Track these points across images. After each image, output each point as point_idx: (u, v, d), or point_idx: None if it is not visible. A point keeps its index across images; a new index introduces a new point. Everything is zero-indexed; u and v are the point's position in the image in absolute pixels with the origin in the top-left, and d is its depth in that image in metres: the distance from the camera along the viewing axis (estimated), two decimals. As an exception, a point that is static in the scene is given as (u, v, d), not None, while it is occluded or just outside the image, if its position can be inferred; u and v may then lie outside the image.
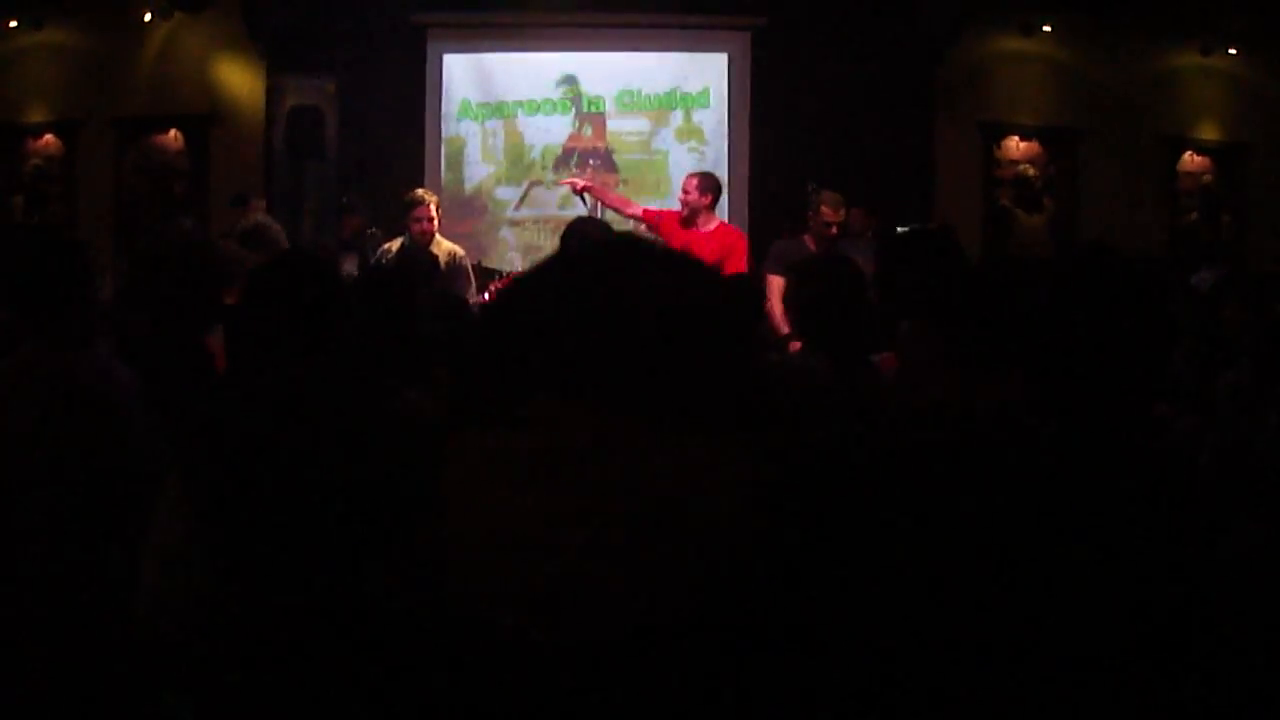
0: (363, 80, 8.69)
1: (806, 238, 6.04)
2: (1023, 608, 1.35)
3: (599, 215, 6.32)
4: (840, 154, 8.29)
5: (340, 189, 8.51)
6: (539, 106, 8.99)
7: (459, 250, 6.24)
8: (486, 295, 5.78)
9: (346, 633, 1.23)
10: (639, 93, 8.99)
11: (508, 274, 6.12)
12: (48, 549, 2.26)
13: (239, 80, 9.11)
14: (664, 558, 0.79)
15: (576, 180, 6.89)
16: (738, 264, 5.79)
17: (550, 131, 8.99)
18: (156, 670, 1.53)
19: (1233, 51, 9.48)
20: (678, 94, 8.99)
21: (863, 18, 8.65)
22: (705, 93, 9.00)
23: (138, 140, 9.26)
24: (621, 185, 8.68)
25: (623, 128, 9.00)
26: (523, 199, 9.05)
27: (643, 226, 6.43)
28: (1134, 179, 9.42)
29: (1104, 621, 1.36)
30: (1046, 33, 9.19)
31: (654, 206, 6.81)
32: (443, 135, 9.00)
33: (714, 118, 8.99)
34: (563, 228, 4.90)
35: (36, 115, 9.35)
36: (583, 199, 6.40)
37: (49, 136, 9.37)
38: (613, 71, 9.01)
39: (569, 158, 8.98)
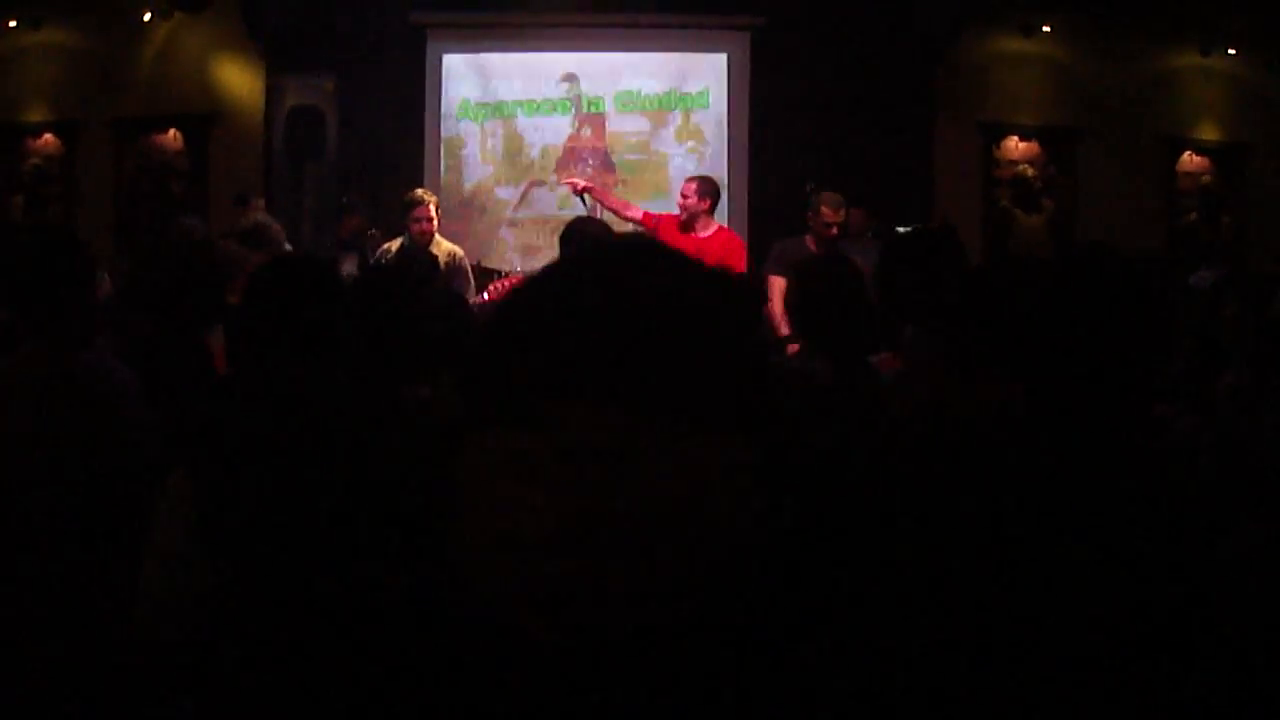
0: (363, 80, 8.69)
1: (807, 238, 6.04)
2: (1023, 608, 1.35)
3: (598, 216, 6.32)
4: (840, 154, 8.29)
5: (340, 189, 8.51)
6: (538, 107, 8.99)
7: (458, 250, 6.25)
8: (486, 295, 5.79)
9: (351, 632, 1.24)
10: (638, 93, 8.99)
11: (507, 274, 6.13)
12: (48, 549, 2.26)
13: (239, 80, 9.11)
14: (673, 558, 0.79)
15: (577, 181, 6.89)
16: (736, 269, 5.80)
17: (550, 132, 8.99)
18: (156, 670, 1.53)
19: (1232, 52, 9.48)
20: (677, 94, 8.99)
21: (862, 18, 8.66)
22: (704, 93, 9.00)
23: (138, 140, 9.26)
24: (620, 186, 8.68)
25: (622, 128, 9.00)
26: (522, 199, 9.06)
27: (641, 230, 6.44)
28: (1134, 179, 9.42)
29: (1104, 621, 1.36)
30: (1046, 33, 9.20)
31: (653, 207, 6.82)
32: (442, 135, 9.00)
33: (713, 118, 8.99)
34: (562, 228, 4.90)
35: (36, 115, 9.35)
36: (583, 199, 6.41)
37: (49, 136, 9.36)
38: (612, 72, 9.00)
39: (568, 158, 8.98)
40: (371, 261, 6.37)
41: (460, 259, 6.19)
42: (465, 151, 9.05)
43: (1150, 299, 1.58)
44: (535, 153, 9.01)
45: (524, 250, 8.77)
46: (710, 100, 8.99)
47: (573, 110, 9.00)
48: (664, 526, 0.78)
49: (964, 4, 8.60)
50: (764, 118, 8.81)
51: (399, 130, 8.78)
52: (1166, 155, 9.71)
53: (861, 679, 0.91)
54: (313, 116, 8.87)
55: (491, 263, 7.68)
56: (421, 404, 2.20)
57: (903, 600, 1.29)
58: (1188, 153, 9.81)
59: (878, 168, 8.35)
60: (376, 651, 1.17)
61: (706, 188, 6.04)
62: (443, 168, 8.99)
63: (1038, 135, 9.50)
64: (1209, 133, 9.84)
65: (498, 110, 9.00)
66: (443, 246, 6.15)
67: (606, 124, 9.00)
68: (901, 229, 7.21)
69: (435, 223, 6.11)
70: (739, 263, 5.93)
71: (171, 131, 9.23)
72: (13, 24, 8.97)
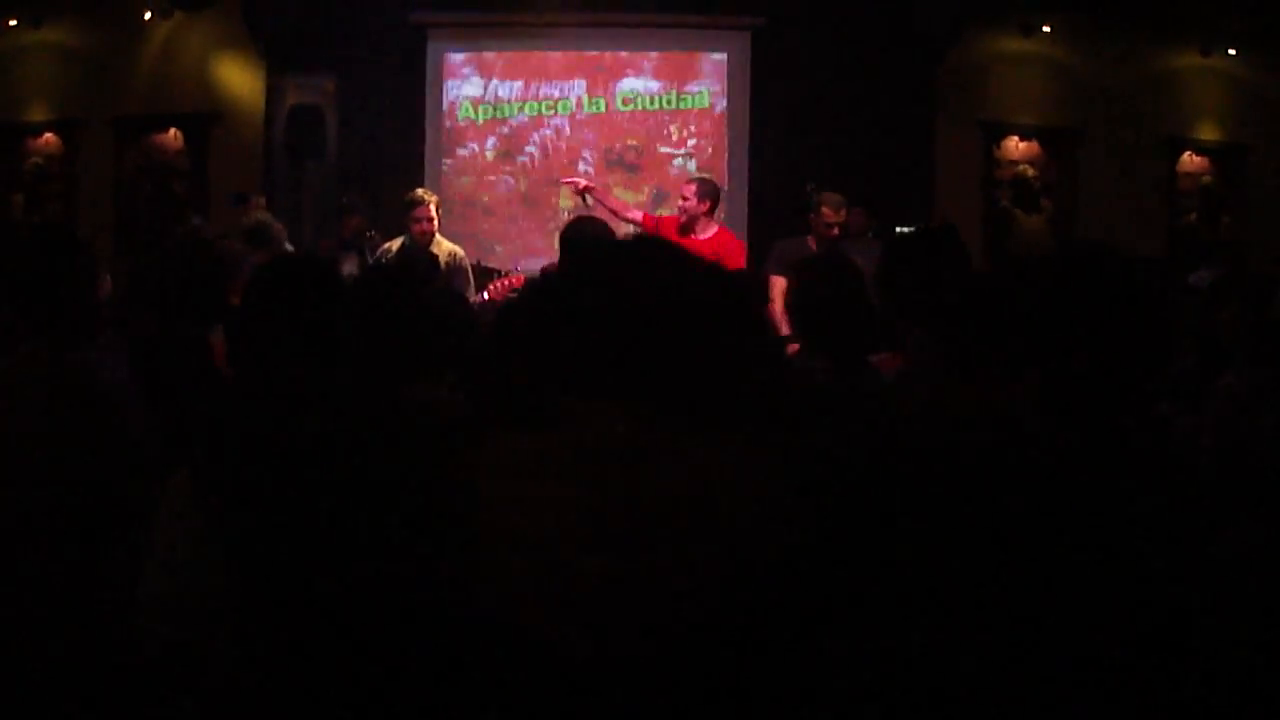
0: (363, 80, 8.69)
1: (809, 239, 6.04)
2: (1022, 608, 1.35)
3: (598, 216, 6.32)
4: (840, 154, 8.29)
5: (340, 189, 8.51)
6: (538, 107, 9.00)
7: (459, 250, 6.25)
8: (486, 294, 5.79)
9: (354, 632, 1.23)
10: (638, 93, 9.00)
11: (507, 274, 6.12)
12: (47, 549, 2.26)
13: (239, 80, 9.11)
14: (693, 555, 0.79)
15: (578, 180, 6.89)
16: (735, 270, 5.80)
17: (550, 132, 8.99)
18: (158, 671, 1.53)
19: (1232, 52, 9.48)
20: (677, 94, 8.99)
21: (863, 18, 8.65)
22: (704, 93, 9.00)
23: (138, 140, 9.26)
24: (620, 186, 8.68)
25: (622, 128, 9.00)
26: (522, 199, 9.06)
27: (642, 232, 6.44)
28: (1133, 179, 9.42)
29: (1104, 621, 1.36)
30: (1046, 33, 9.19)
31: (653, 207, 6.82)
32: (443, 134, 9.00)
33: (713, 119, 8.99)
34: (562, 228, 4.90)
35: (36, 115, 9.35)
36: (584, 199, 6.41)
37: (49, 136, 9.36)
38: (612, 72, 9.01)
39: (568, 158, 8.98)
40: (371, 262, 6.36)
41: (461, 259, 6.20)
42: (465, 151, 9.05)
43: (1150, 299, 1.58)
44: (535, 152, 9.01)
45: (524, 250, 8.77)
46: (710, 100, 8.99)
47: (573, 110, 9.00)
48: (684, 524, 0.78)
49: (964, 4, 8.59)
50: (764, 118, 8.81)
51: (399, 130, 8.78)
52: (1166, 155, 9.71)
53: (862, 677, 0.91)
54: (313, 116, 8.87)
55: (491, 262, 7.68)
56: (422, 404, 2.20)
57: (903, 600, 1.29)
58: (1188, 153, 9.81)
59: (878, 168, 8.35)
60: (379, 651, 1.17)
61: (706, 189, 6.04)
62: (443, 167, 8.99)
63: (1038, 135, 9.50)
64: (1209, 133, 9.83)
65: (498, 110, 9.01)
66: (443, 246, 6.15)
67: (606, 124, 9.00)
68: (902, 229, 7.21)
69: (436, 222, 6.11)
70: (738, 264, 5.93)
71: (172, 131, 9.23)
72: (13, 23, 8.97)
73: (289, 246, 5.77)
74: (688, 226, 5.95)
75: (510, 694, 0.84)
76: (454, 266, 6.09)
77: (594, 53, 9.06)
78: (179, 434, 2.20)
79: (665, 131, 8.98)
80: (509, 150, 9.03)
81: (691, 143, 8.98)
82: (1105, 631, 1.35)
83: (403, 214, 6.17)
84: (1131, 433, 1.54)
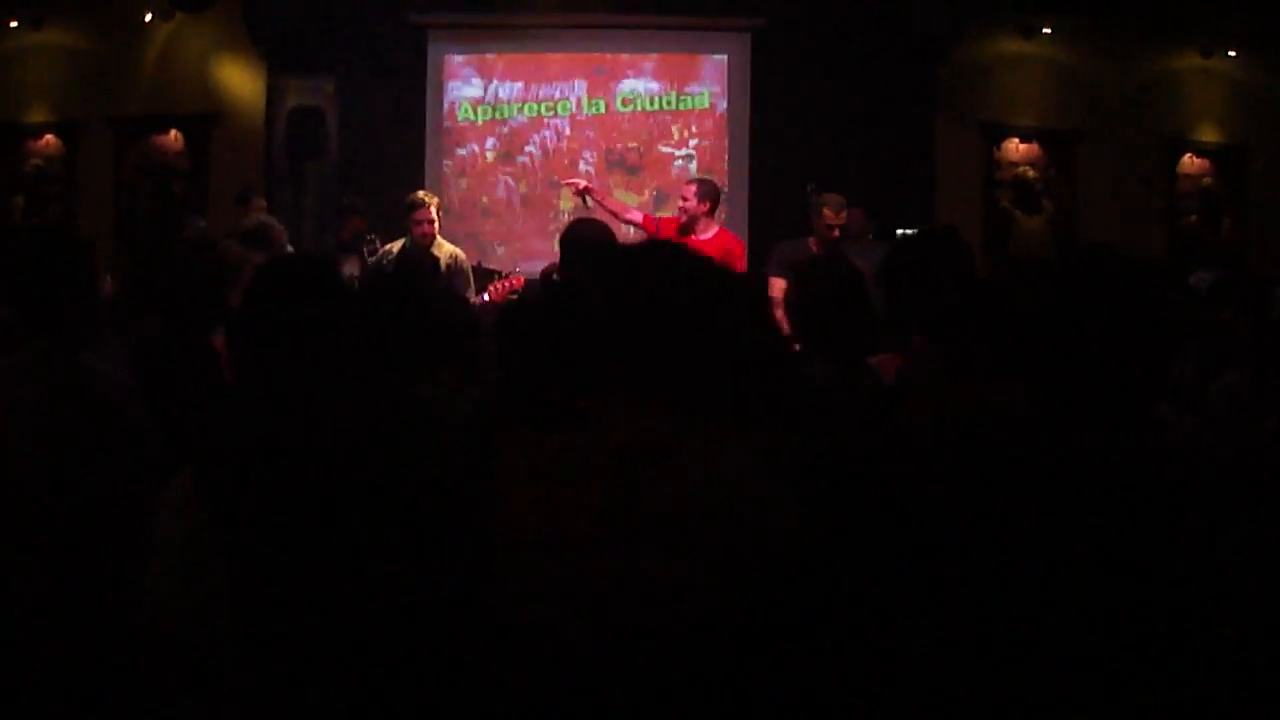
0: (363, 80, 8.69)
1: (810, 240, 6.05)
2: (1022, 608, 1.35)
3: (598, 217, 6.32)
4: (840, 155, 8.29)
5: (340, 189, 8.51)
6: (539, 107, 9.00)
7: (460, 253, 6.26)
8: (486, 295, 5.79)
9: (361, 632, 1.23)
10: (639, 94, 9.00)
11: (507, 275, 6.12)
12: (47, 549, 2.26)
13: (239, 81, 9.11)
14: (713, 555, 0.80)
15: (577, 181, 6.89)
16: (736, 271, 5.79)
17: (550, 132, 9.00)
18: (159, 670, 1.53)
19: (1232, 54, 9.48)
20: (677, 95, 9.00)
21: (862, 19, 8.65)
22: (705, 94, 9.00)
23: (138, 140, 9.27)
24: (621, 187, 8.68)
25: (622, 129, 9.00)
26: (523, 200, 9.06)
27: (642, 233, 6.44)
28: (1134, 181, 9.42)
29: (1104, 622, 1.36)
30: (1046, 34, 9.19)
31: (653, 208, 6.83)
32: (443, 135, 9.00)
33: (713, 119, 8.99)
34: (562, 229, 4.90)
35: (36, 115, 9.35)
36: (584, 200, 6.41)
37: (49, 136, 9.36)
38: (612, 73, 9.01)
39: (569, 159, 8.99)
40: (371, 264, 6.37)
41: (462, 261, 6.20)
42: (465, 152, 9.05)
43: (1150, 300, 1.59)
44: (535, 153, 9.01)
45: (524, 251, 8.77)
46: (710, 101, 8.99)
47: (573, 110, 9.01)
48: (705, 524, 0.78)
49: (964, 5, 8.60)
50: (764, 118, 8.81)
51: (399, 131, 8.78)
52: (1167, 157, 9.72)
53: (863, 676, 0.91)
54: (313, 117, 8.87)
55: (492, 264, 7.69)
56: (422, 403, 2.20)
57: (903, 601, 1.29)
58: (1188, 155, 9.81)
59: (878, 169, 8.35)
60: (386, 652, 1.17)
61: (706, 190, 6.03)
62: (443, 168, 8.99)
63: (1038, 137, 9.51)
64: (1209, 134, 9.84)
65: (498, 111, 9.01)
66: (444, 248, 6.15)
67: (606, 125, 9.01)
68: (903, 230, 7.22)
69: (436, 225, 6.12)
70: (739, 265, 5.93)
71: (172, 132, 9.23)
72: (14, 24, 8.97)
73: (290, 249, 5.77)
74: (688, 227, 5.95)
75: (525, 696, 0.84)
76: (455, 269, 6.09)
77: (594, 53, 9.06)
78: (180, 435, 2.20)
79: (667, 131, 8.98)
80: (509, 151, 9.04)
81: (693, 143, 8.98)
82: (1105, 632, 1.35)
83: (403, 216, 6.18)
84: (1131, 433, 1.55)
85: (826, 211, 5.96)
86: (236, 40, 8.92)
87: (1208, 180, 9.83)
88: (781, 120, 8.70)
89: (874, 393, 2.70)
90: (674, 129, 9.00)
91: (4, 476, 2.28)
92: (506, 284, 5.81)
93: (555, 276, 4.87)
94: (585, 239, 3.91)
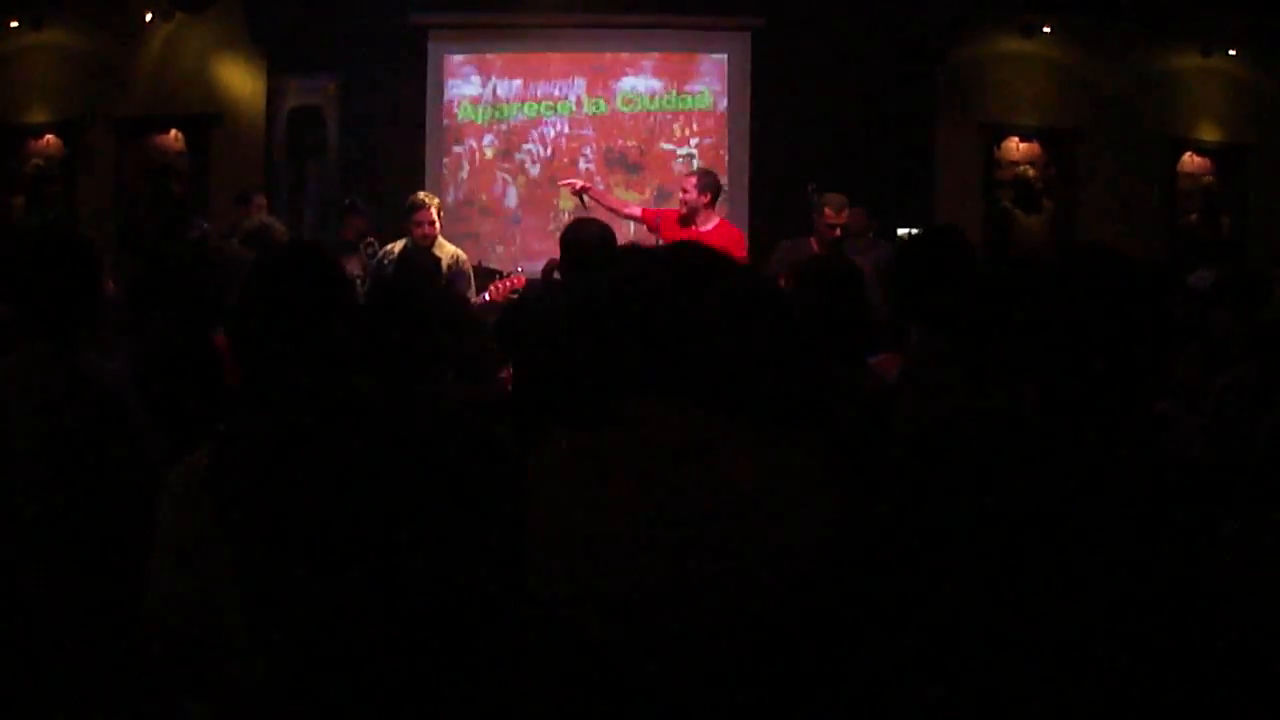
0: (363, 80, 8.69)
1: (811, 240, 6.05)
2: (1021, 607, 1.35)
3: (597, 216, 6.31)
4: (840, 154, 8.29)
5: (341, 189, 8.51)
6: (539, 107, 9.00)
7: (461, 254, 6.26)
8: (487, 295, 5.79)
9: (370, 632, 1.22)
10: (638, 93, 9.00)
11: (508, 274, 6.12)
12: (49, 548, 2.26)
13: (240, 81, 9.12)
14: (754, 558, 0.79)
15: (574, 181, 6.89)
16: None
17: (550, 132, 9.00)
18: (161, 670, 1.53)
19: (1233, 53, 9.48)
20: (677, 95, 9.00)
21: (863, 18, 8.65)
22: (705, 93, 9.01)
23: (138, 140, 9.27)
24: (621, 186, 8.68)
25: (622, 128, 9.00)
26: (522, 199, 9.06)
27: (643, 228, 6.45)
28: (1134, 180, 9.42)
29: (1103, 621, 1.36)
30: (1046, 34, 9.19)
31: (652, 207, 6.82)
32: (443, 135, 9.01)
33: (713, 119, 8.99)
34: (562, 228, 4.90)
35: (36, 115, 9.35)
36: (581, 199, 6.41)
37: (49, 136, 9.36)
38: (612, 72, 9.01)
39: (569, 158, 8.99)
40: (372, 265, 6.37)
41: (463, 262, 6.21)
42: (464, 151, 9.05)
43: (1150, 299, 1.59)
44: (536, 153, 9.01)
45: (524, 251, 8.78)
46: (710, 100, 8.99)
47: (573, 110, 9.01)
48: (751, 527, 0.77)
49: (964, 4, 8.60)
50: (764, 118, 8.81)
51: (399, 131, 8.79)
52: (1167, 156, 9.72)
53: (864, 675, 0.91)
54: (313, 117, 8.88)
55: (492, 264, 7.69)
56: (433, 401, 2.20)
57: (903, 600, 1.29)
58: (1188, 154, 9.81)
59: (878, 168, 8.35)
60: (408, 653, 1.16)
61: (707, 181, 6.03)
62: (443, 168, 9.00)
63: (1038, 136, 9.51)
64: (1209, 133, 9.84)
65: (498, 110, 9.01)
66: (445, 249, 6.15)
67: (607, 124, 9.01)
68: (905, 230, 7.22)
69: (437, 225, 6.12)
70: (740, 256, 5.93)
71: (173, 132, 9.23)
72: (14, 24, 8.97)
73: (290, 248, 5.76)
74: (689, 219, 5.94)
75: (558, 699, 0.83)
76: (456, 270, 6.09)
77: (594, 53, 9.06)
78: (181, 436, 2.20)
79: (668, 129, 8.98)
80: (509, 150, 9.04)
81: (695, 141, 8.98)
82: (1106, 630, 1.36)
83: (404, 217, 6.18)
84: (1131, 432, 1.55)
85: (827, 211, 5.96)
86: (236, 40, 8.92)
87: (1208, 179, 9.83)
88: (782, 120, 8.70)
89: (874, 392, 2.71)
90: (675, 127, 9.00)
91: (5, 476, 2.28)
92: (506, 284, 5.81)
93: (556, 274, 4.86)
94: (585, 239, 3.91)
